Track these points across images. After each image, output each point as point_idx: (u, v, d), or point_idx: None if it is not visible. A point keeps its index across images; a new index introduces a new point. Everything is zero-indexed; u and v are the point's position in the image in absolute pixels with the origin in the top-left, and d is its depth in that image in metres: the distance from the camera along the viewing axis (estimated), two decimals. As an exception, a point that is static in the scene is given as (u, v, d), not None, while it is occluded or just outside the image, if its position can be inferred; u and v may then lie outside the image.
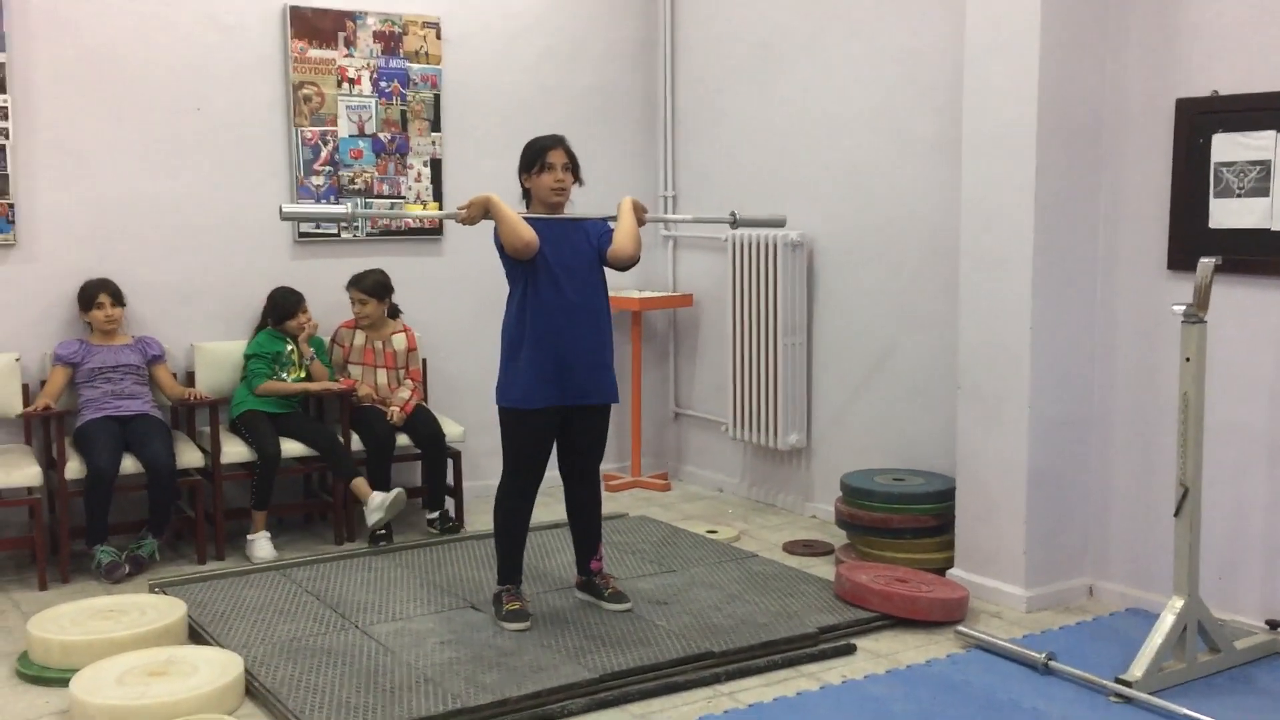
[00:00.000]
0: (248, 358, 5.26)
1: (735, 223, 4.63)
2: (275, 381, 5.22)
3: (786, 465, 5.85)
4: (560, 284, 4.09)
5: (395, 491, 5.09)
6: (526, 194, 4.21)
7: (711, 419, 6.29)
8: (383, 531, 5.17)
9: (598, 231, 4.22)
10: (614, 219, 4.26)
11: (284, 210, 3.96)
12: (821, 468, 5.70)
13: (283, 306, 5.31)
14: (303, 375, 5.30)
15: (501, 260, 4.18)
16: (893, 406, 5.30)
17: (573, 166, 4.16)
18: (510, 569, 4.22)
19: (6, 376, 4.95)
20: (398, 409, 5.33)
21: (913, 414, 5.20)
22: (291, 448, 5.12)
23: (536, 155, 4.13)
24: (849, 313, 5.48)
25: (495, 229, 4.09)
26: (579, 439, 4.24)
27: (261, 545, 5.02)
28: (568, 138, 4.23)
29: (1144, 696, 3.53)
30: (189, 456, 4.98)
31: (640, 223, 4.24)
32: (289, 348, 5.30)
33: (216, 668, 3.61)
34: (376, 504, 5.08)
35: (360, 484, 5.16)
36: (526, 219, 4.07)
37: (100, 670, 3.57)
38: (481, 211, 4.06)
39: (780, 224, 4.80)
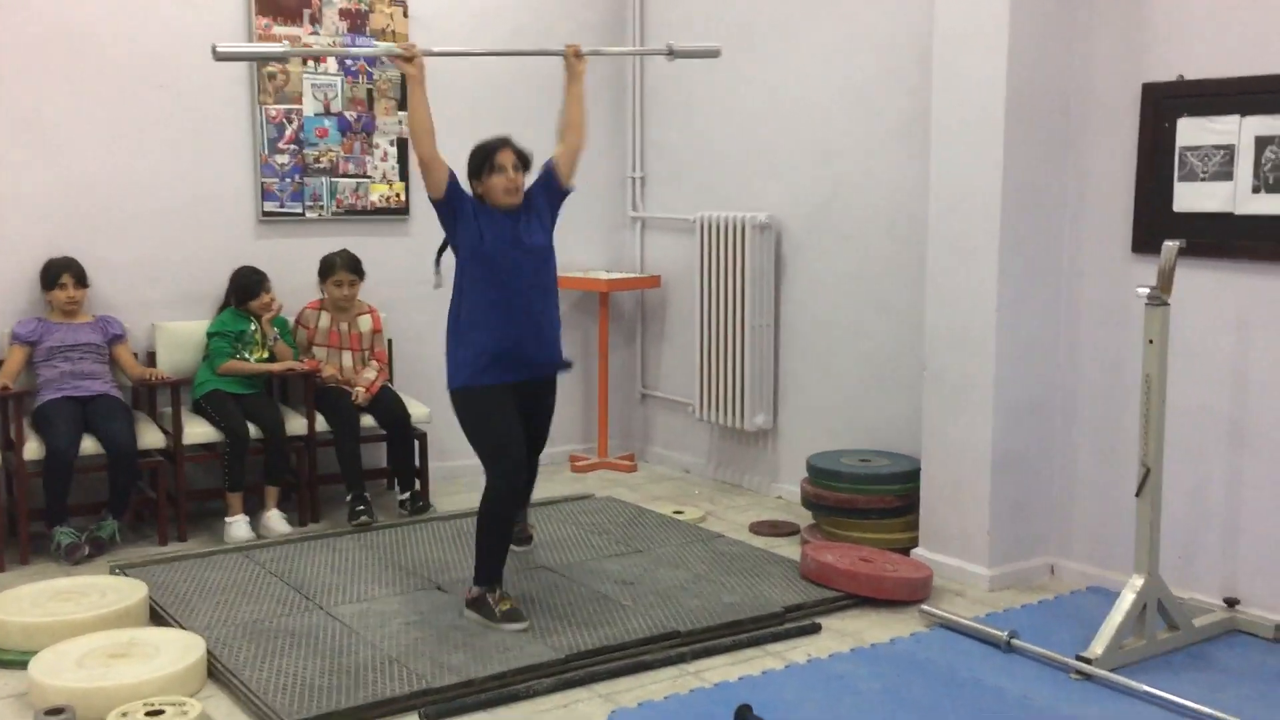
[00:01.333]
0: (210, 336, 5.21)
1: (671, 53, 4.54)
2: (238, 361, 5.17)
3: (753, 447, 5.86)
4: (510, 270, 4.02)
5: (248, 535, 4.98)
6: (479, 199, 4.12)
7: (678, 400, 6.30)
8: (361, 508, 5.14)
9: (540, 194, 4.19)
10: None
11: (217, 50, 3.72)
12: (788, 449, 5.71)
13: (246, 286, 5.26)
14: (266, 356, 5.25)
15: (453, 248, 4.12)
16: (859, 389, 5.31)
17: (522, 162, 4.12)
18: (495, 568, 4.04)
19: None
20: (363, 390, 5.30)
21: (879, 396, 5.22)
22: (253, 430, 5.07)
23: (484, 158, 4.08)
24: (817, 295, 5.49)
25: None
26: (533, 418, 4.17)
27: (239, 528, 4.98)
28: (516, 136, 4.20)
29: (1104, 674, 3.56)
30: (150, 437, 4.93)
31: (578, 75, 4.24)
32: (252, 327, 5.25)
33: (178, 649, 3.58)
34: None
35: (271, 493, 5.13)
36: (477, 203, 4.08)
37: (60, 652, 3.53)
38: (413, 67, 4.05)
39: (715, 54, 4.68)
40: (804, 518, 5.25)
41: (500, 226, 4.04)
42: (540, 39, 6.22)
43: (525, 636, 3.80)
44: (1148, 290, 3.69)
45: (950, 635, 3.93)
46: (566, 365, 4.24)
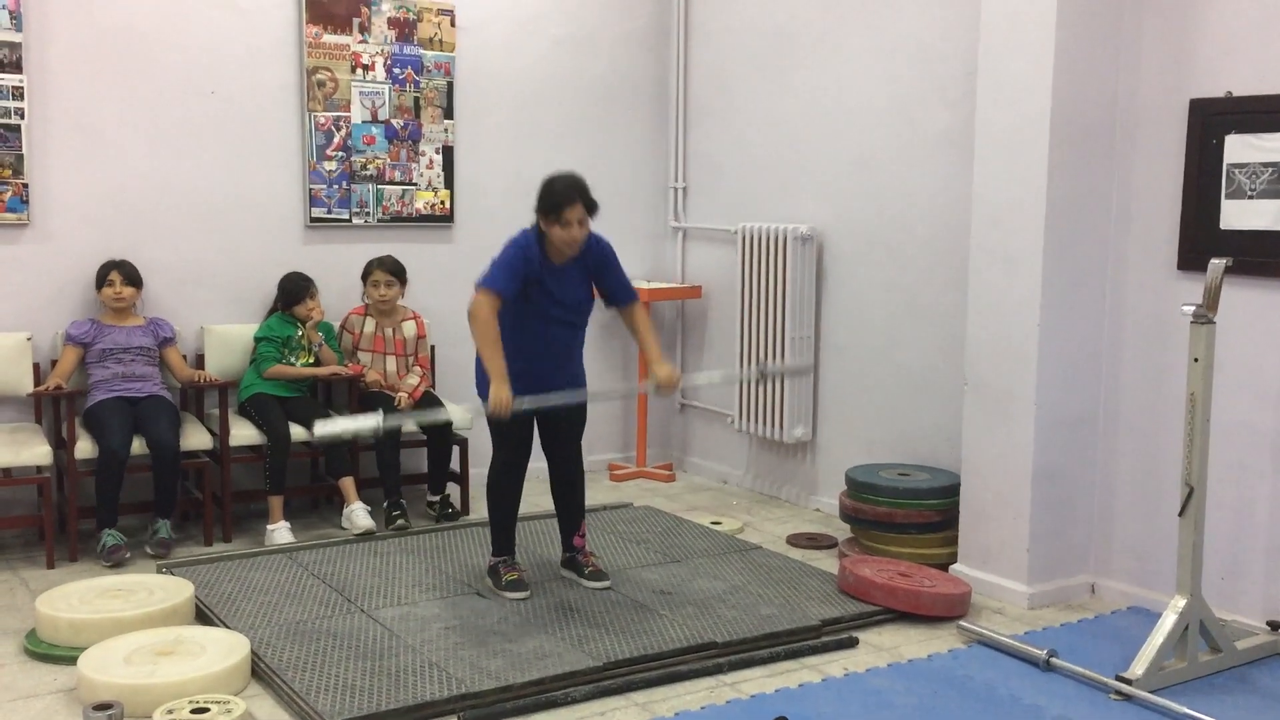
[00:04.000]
0: (257, 340, 5.29)
1: (762, 375, 4.77)
2: (283, 365, 5.24)
3: (791, 458, 5.87)
4: (551, 315, 4.19)
5: (368, 524, 5.08)
6: (539, 231, 4.17)
7: (717, 411, 6.31)
8: (397, 513, 5.21)
9: (598, 264, 4.25)
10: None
11: (316, 432, 4.05)
12: (826, 461, 5.71)
13: (293, 291, 5.34)
14: (311, 361, 5.32)
15: None
16: (899, 401, 5.31)
17: (589, 210, 4.13)
18: (504, 540, 4.36)
19: (17, 355, 4.99)
20: (406, 395, 5.36)
21: (918, 409, 5.21)
22: (296, 432, 5.13)
23: (554, 207, 4.08)
24: (857, 307, 5.49)
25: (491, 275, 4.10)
26: (558, 421, 4.33)
27: (281, 534, 5.04)
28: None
29: (1144, 695, 3.54)
30: (197, 439, 5.01)
31: (662, 380, 4.22)
32: (299, 333, 5.32)
33: (223, 648, 3.64)
34: (358, 518, 5.11)
35: (348, 484, 5.21)
36: (537, 254, 4.12)
37: (108, 649, 3.60)
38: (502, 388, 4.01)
39: (808, 371, 4.94)
40: (842, 531, 5.25)
41: (549, 281, 4.14)
42: (583, 49, 6.28)
43: (564, 644, 3.83)
44: (1193, 308, 3.66)
45: (988, 652, 3.92)
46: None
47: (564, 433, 4.40)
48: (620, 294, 4.36)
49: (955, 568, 4.65)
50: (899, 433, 5.31)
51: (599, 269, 4.29)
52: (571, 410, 4.33)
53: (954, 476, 4.84)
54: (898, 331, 5.29)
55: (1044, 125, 4.24)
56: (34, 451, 4.70)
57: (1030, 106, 4.27)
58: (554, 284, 4.17)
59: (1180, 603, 3.71)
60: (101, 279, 5.04)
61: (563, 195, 4.09)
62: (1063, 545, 4.48)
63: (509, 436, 4.24)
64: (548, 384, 4.16)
